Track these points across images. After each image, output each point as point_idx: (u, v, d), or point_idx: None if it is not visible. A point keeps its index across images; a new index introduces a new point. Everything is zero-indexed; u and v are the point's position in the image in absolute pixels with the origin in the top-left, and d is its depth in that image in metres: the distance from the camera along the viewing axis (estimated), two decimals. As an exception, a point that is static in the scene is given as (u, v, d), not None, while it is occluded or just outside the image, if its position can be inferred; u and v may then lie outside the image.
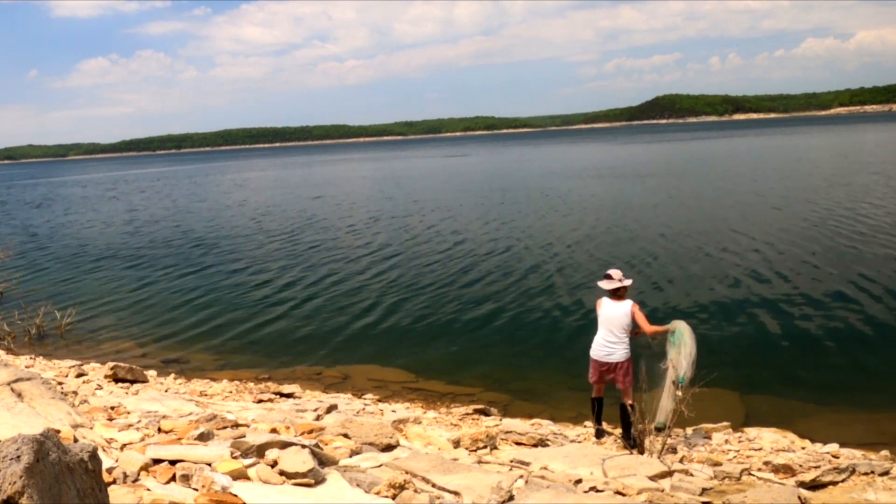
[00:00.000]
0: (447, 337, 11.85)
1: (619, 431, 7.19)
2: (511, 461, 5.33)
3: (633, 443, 6.67)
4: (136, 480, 3.36)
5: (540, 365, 10.21)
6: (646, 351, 6.89)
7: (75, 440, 3.80)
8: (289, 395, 8.65)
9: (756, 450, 6.82)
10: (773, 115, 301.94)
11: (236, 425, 5.07)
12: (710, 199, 27.67)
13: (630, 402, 6.77)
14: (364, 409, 8.14)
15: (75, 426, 4.24)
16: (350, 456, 4.37)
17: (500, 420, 7.92)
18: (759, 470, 6.10)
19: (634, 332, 6.84)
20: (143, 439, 4.23)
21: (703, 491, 4.80)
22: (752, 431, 7.47)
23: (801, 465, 6.10)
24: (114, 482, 3.26)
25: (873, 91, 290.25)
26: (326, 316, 13.51)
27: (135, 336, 12.82)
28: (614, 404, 7.48)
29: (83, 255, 22.72)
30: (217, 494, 3.24)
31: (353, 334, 12.29)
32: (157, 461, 3.61)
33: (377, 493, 3.57)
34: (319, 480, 3.67)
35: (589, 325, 8.11)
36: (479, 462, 5.31)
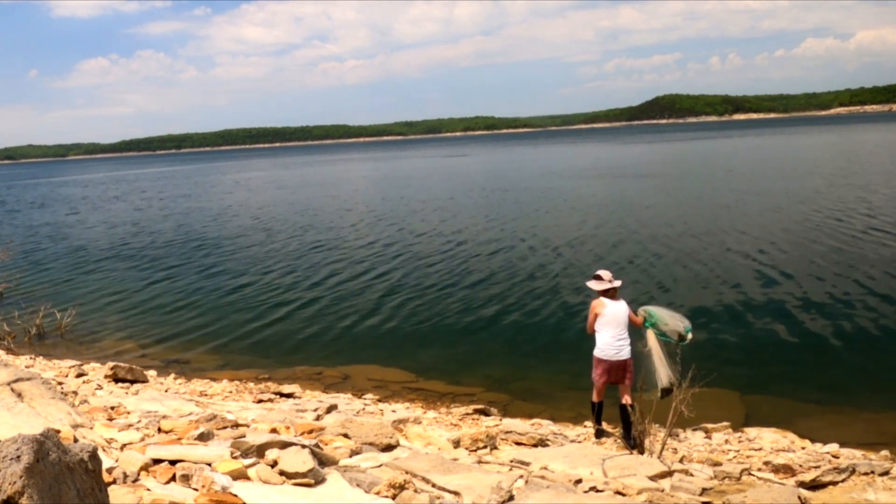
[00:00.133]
0: (447, 337, 11.85)
1: (619, 431, 7.19)
2: (511, 461, 5.32)
3: (633, 443, 6.67)
4: (136, 480, 3.36)
5: (540, 365, 10.21)
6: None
7: (75, 440, 3.80)
8: (289, 395, 8.65)
9: (756, 450, 6.82)
10: (773, 115, 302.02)
11: (236, 425, 5.07)
12: (711, 199, 27.68)
13: (630, 401, 6.81)
14: (364, 409, 8.14)
15: (75, 426, 4.24)
16: (350, 456, 4.37)
17: (500, 420, 7.92)
18: (759, 470, 6.10)
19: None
20: (143, 439, 4.23)
21: (703, 491, 4.80)
22: (752, 431, 7.47)
23: (801, 465, 6.10)
24: (114, 482, 3.26)
25: (873, 91, 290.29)
26: (326, 316, 13.51)
27: (135, 336, 12.82)
28: (614, 405, 7.49)
29: (83, 255, 22.72)
30: (217, 494, 3.24)
31: (354, 334, 12.29)
32: (157, 461, 3.61)
33: (377, 493, 3.57)
34: (319, 480, 3.67)
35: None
36: (479, 462, 5.31)
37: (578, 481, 4.62)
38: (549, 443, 6.64)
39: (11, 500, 2.10)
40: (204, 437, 4.26)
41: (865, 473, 5.71)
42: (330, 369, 10.53)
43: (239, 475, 3.52)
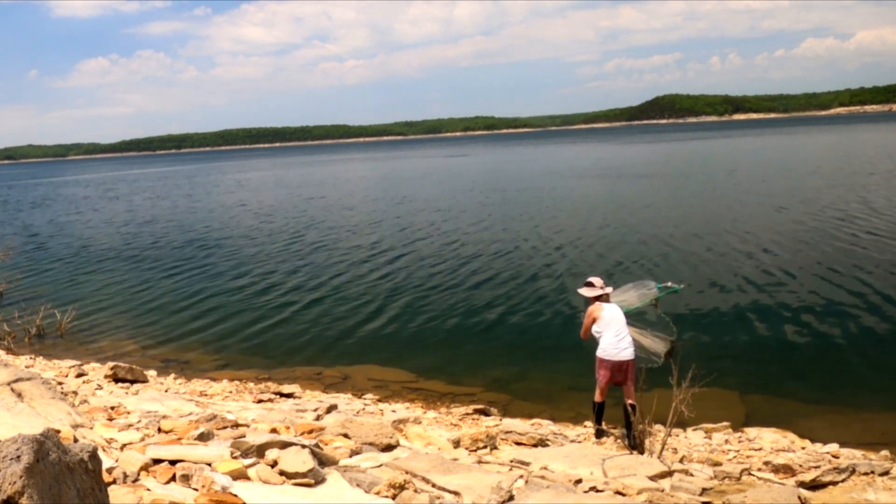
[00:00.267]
0: (447, 337, 11.85)
1: (619, 431, 7.20)
2: (511, 461, 5.32)
3: (633, 442, 6.68)
4: (136, 480, 3.36)
5: (540, 365, 10.21)
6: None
7: (75, 440, 3.80)
8: (289, 395, 8.65)
9: (756, 450, 6.82)
10: (773, 115, 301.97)
11: (236, 425, 5.07)
12: (713, 200, 27.68)
13: (633, 401, 6.88)
14: (364, 409, 8.14)
15: (75, 426, 4.24)
16: (350, 456, 4.37)
17: (500, 420, 7.92)
18: (759, 470, 6.10)
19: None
20: (143, 439, 4.23)
21: (703, 491, 4.80)
22: (752, 431, 7.48)
23: (801, 465, 6.10)
24: (114, 482, 3.26)
25: (873, 91, 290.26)
26: (327, 316, 13.51)
27: (135, 336, 12.82)
28: (615, 405, 7.50)
29: (83, 255, 22.73)
30: (217, 494, 3.24)
31: (354, 334, 12.29)
32: (157, 461, 3.61)
33: (377, 493, 3.57)
34: (319, 480, 3.67)
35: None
36: (479, 462, 5.31)
37: (578, 481, 4.62)
38: (549, 443, 6.64)
39: (11, 500, 2.10)
40: (204, 437, 4.26)
41: (865, 473, 5.71)
42: (330, 369, 10.53)
43: (239, 475, 3.52)
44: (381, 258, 19.08)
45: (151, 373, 9.71)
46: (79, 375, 8.65)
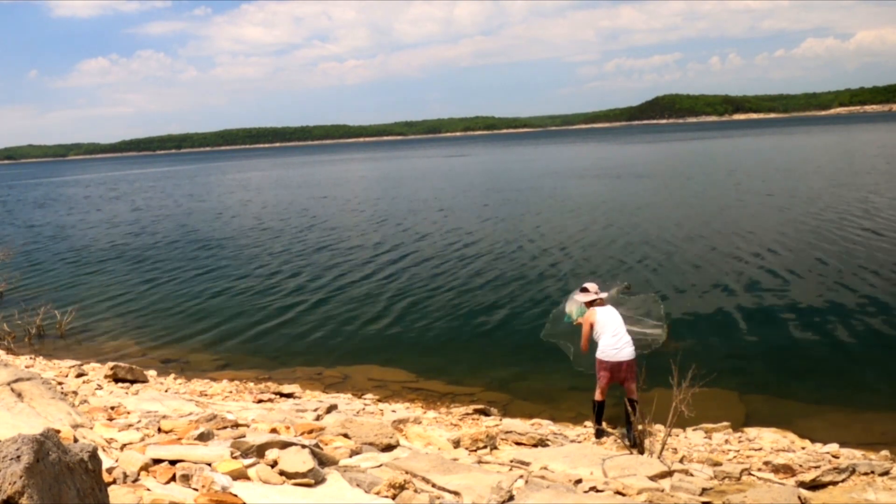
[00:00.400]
0: (447, 337, 11.85)
1: (619, 431, 7.21)
2: (511, 461, 5.33)
3: (633, 441, 6.70)
4: (136, 480, 3.36)
5: (540, 365, 10.19)
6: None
7: (75, 440, 3.80)
8: (289, 395, 8.65)
9: (756, 450, 6.82)
10: (773, 115, 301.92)
11: (236, 425, 5.07)
12: (713, 200, 27.68)
13: (635, 398, 6.92)
14: (364, 409, 8.14)
15: (75, 426, 4.24)
16: (350, 456, 4.37)
17: (500, 420, 7.92)
18: (759, 470, 6.10)
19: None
20: (143, 439, 4.23)
21: (703, 491, 4.80)
22: (752, 431, 7.47)
23: (801, 465, 6.10)
24: (114, 482, 3.26)
25: (873, 91, 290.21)
26: (327, 316, 13.50)
27: (135, 336, 12.82)
28: (615, 405, 7.51)
29: (84, 255, 22.72)
30: (217, 494, 3.24)
31: (354, 334, 12.28)
32: (157, 461, 3.61)
33: (377, 493, 3.57)
34: (319, 480, 3.67)
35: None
36: (479, 462, 5.31)
37: (578, 481, 4.62)
38: (549, 443, 6.64)
39: (11, 500, 2.10)
40: (204, 437, 4.26)
41: (865, 473, 5.71)
42: (330, 369, 10.52)
43: (239, 475, 3.52)
44: (381, 258, 19.08)
45: (151, 373, 9.71)
46: (79, 375, 8.66)
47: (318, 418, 6.53)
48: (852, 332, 10.78)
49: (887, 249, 16.06)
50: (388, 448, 4.86)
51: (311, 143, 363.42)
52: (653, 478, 4.87)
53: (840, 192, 26.45)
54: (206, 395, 8.45)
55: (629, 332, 7.29)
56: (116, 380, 8.46)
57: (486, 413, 8.32)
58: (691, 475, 5.37)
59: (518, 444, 6.50)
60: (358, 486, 3.67)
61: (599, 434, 7.18)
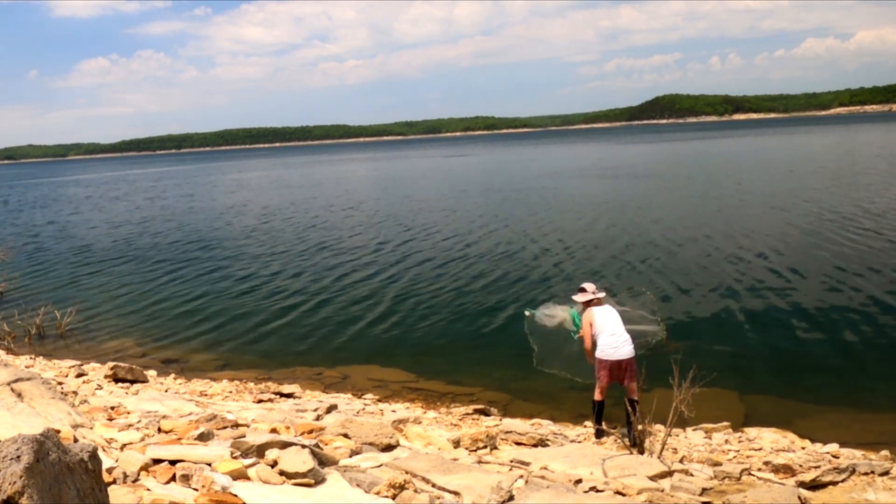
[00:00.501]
0: (447, 337, 11.85)
1: (619, 431, 7.21)
2: (511, 461, 5.33)
3: (633, 441, 6.70)
4: (136, 480, 3.36)
5: (540, 365, 10.20)
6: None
7: (75, 440, 3.80)
8: (289, 395, 8.65)
9: (756, 450, 6.83)
10: (773, 115, 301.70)
11: (236, 425, 5.07)
12: (713, 200, 27.68)
13: (636, 397, 6.91)
14: (364, 409, 8.14)
15: (75, 426, 4.24)
16: (350, 456, 4.37)
17: (500, 420, 7.92)
18: (759, 470, 6.10)
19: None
20: (143, 439, 4.23)
21: (703, 491, 4.80)
22: (752, 431, 7.48)
23: (801, 465, 6.10)
24: (114, 482, 3.26)
25: (873, 91, 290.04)
26: (326, 316, 13.51)
27: (135, 336, 12.82)
28: (615, 405, 7.51)
29: (84, 255, 22.72)
30: (217, 494, 3.24)
31: (354, 334, 12.29)
32: (157, 461, 3.61)
33: (377, 493, 3.57)
34: (319, 480, 3.67)
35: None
36: (479, 462, 5.31)
37: (578, 481, 4.62)
38: (549, 443, 6.64)
39: (11, 500, 2.10)
40: (204, 437, 4.26)
41: (865, 473, 5.70)
42: (330, 369, 10.53)
43: (239, 475, 3.52)
44: (382, 258, 19.08)
45: (151, 373, 9.71)
46: (79, 375, 8.65)
47: (318, 418, 6.53)
48: (853, 332, 10.77)
49: (888, 249, 16.07)
50: (388, 448, 4.86)
51: (311, 143, 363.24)
52: (653, 478, 4.87)
53: (840, 192, 26.45)
54: (206, 395, 8.45)
55: (627, 330, 7.28)
56: (116, 380, 8.46)
57: (486, 413, 8.32)
58: (691, 475, 5.37)
59: (518, 444, 6.50)
60: (358, 486, 3.67)
61: (599, 434, 7.18)
